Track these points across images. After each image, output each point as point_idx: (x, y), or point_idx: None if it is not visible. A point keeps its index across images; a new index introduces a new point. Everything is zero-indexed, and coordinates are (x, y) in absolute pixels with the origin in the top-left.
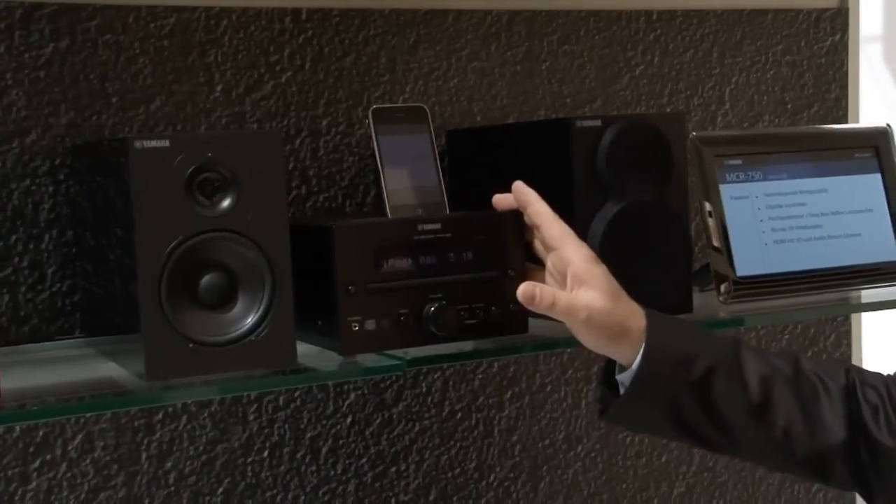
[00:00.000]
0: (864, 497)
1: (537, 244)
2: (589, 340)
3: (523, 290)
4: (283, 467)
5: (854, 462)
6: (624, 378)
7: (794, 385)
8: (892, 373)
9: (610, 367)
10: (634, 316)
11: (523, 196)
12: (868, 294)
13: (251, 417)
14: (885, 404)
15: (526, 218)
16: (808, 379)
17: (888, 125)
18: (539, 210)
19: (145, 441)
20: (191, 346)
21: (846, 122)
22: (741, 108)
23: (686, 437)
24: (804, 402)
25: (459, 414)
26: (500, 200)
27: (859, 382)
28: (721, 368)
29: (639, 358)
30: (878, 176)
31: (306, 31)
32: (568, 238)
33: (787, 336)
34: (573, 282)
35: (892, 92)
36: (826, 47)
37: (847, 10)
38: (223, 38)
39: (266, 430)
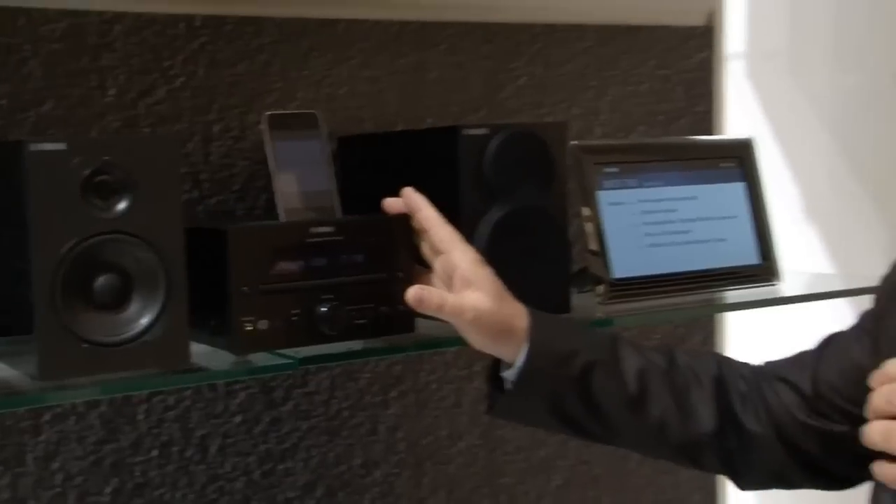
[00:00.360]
0: (732, 479)
1: (425, 248)
2: (475, 340)
3: (412, 292)
4: (171, 466)
5: (723, 448)
6: (509, 375)
7: (668, 378)
8: (759, 363)
9: (495, 365)
10: (518, 315)
11: (412, 201)
12: (732, 295)
13: (141, 417)
14: (752, 393)
15: (415, 222)
16: (682, 371)
17: (751, 137)
18: (427, 215)
19: (31, 442)
20: (84, 345)
21: (713, 133)
22: (617, 119)
23: (568, 429)
24: (677, 394)
25: (346, 412)
26: (390, 204)
27: (729, 373)
28: (600, 364)
29: (523, 355)
30: (742, 185)
31: (200, 37)
32: (455, 242)
33: (657, 335)
34: (460, 284)
35: (754, 106)
36: (694, 63)
37: (713, 28)
38: (116, 43)
39: (155, 430)
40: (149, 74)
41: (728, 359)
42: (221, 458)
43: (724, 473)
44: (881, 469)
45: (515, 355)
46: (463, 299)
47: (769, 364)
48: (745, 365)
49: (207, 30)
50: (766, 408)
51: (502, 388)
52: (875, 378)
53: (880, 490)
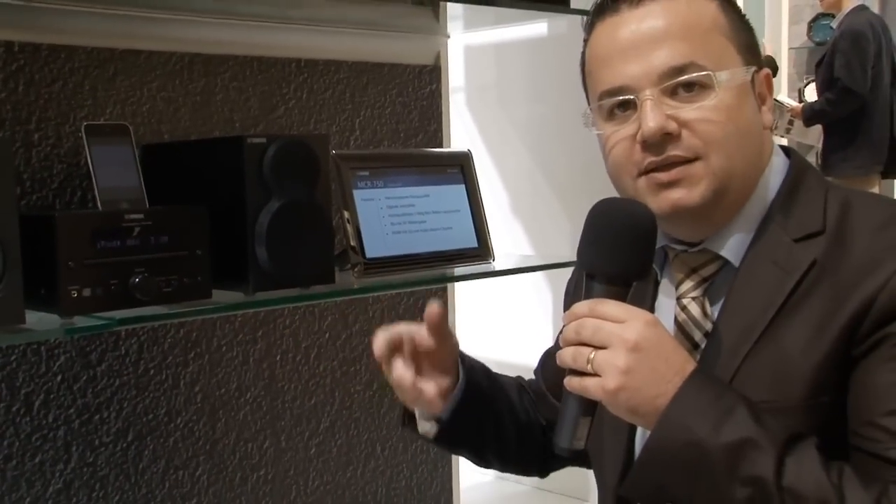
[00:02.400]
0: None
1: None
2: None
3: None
4: None
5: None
6: (454, 395)
7: (510, 382)
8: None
9: (406, 417)
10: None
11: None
12: (458, 270)
13: None
14: (539, 393)
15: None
16: (510, 378)
17: (469, 150)
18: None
19: None
20: None
21: (441, 147)
22: (368, 135)
23: (484, 444)
24: (527, 396)
25: (152, 370)
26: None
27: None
28: (496, 376)
29: (462, 374)
30: (463, 186)
31: (18, 60)
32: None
33: (402, 305)
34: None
35: (471, 126)
36: (427, 93)
37: (440, 67)
38: None
39: None
40: None
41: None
42: (45, 411)
43: (549, 459)
44: (570, 381)
45: (447, 397)
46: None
47: (527, 381)
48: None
49: (24, 54)
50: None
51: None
52: (565, 317)
53: (568, 397)
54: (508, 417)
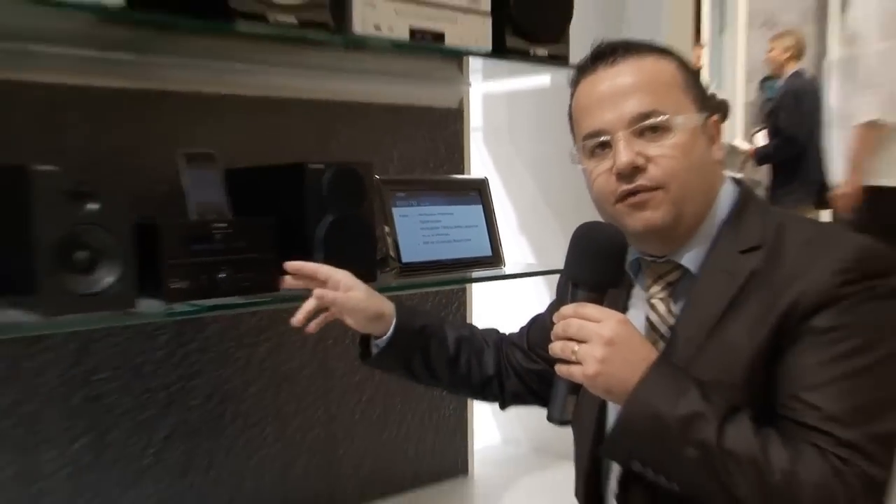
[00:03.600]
0: (500, 401)
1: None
2: (356, 322)
3: (291, 264)
4: (116, 383)
5: (500, 383)
6: (380, 342)
7: (470, 342)
8: (504, 333)
9: (365, 337)
10: (386, 306)
11: (305, 270)
12: (476, 273)
13: (96, 350)
14: (520, 348)
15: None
16: (478, 338)
17: (486, 177)
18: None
19: (27, 359)
20: (70, 296)
21: (463, 174)
22: (404, 163)
23: (410, 376)
24: (476, 352)
25: (232, 349)
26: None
27: (506, 339)
28: (434, 336)
29: (391, 331)
30: (480, 206)
31: (132, 104)
32: (337, 271)
33: (430, 301)
34: (343, 287)
35: (487, 159)
36: (451, 132)
37: (462, 110)
38: (68, 108)
39: (106, 359)
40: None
41: (497, 330)
42: (152, 377)
43: (498, 398)
44: (559, 368)
45: (385, 331)
46: (337, 273)
47: (509, 334)
48: (514, 333)
49: (136, 99)
50: (509, 360)
51: (369, 351)
52: (555, 316)
53: (558, 380)
54: (443, 363)
